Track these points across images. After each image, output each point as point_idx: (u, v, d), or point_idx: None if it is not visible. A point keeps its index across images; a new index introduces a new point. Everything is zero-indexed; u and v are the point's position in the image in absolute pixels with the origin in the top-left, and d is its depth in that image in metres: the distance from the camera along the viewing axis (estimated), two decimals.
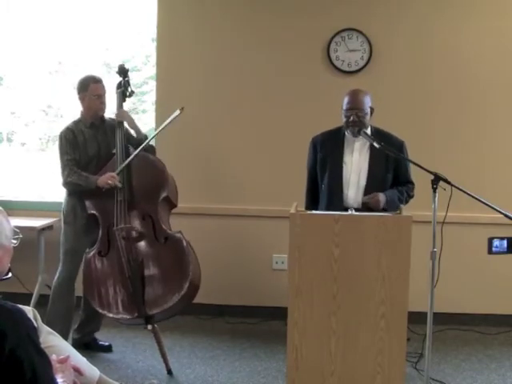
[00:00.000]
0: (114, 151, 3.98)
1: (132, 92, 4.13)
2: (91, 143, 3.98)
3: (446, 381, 3.71)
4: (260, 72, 4.76)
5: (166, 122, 3.94)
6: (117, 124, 4.00)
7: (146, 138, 4.07)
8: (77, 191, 3.92)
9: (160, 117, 4.82)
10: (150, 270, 3.76)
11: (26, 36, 5.28)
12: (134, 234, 3.82)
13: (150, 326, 3.70)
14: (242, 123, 4.79)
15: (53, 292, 4.01)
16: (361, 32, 4.64)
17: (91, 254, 3.86)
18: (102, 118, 4.07)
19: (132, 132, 4.10)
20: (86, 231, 3.95)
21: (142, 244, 3.82)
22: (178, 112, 3.89)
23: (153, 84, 5.10)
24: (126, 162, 3.87)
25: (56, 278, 4.01)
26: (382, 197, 3.61)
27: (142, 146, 3.91)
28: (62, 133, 3.97)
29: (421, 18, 4.63)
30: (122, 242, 3.79)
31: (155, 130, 4.85)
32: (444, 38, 4.63)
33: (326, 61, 4.70)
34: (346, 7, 4.66)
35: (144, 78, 5.57)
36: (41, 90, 5.37)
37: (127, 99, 4.14)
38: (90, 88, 3.94)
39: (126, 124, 4.05)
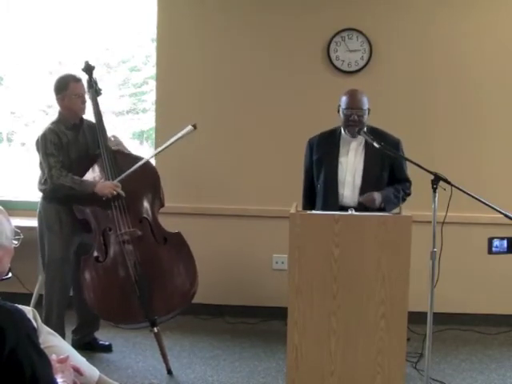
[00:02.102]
0: (97, 152, 3.89)
1: (100, 89, 3.97)
2: (73, 146, 3.85)
3: (446, 381, 3.71)
4: (260, 72, 4.75)
5: (176, 137, 3.82)
6: (95, 118, 3.88)
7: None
8: (63, 195, 3.76)
9: (160, 117, 4.83)
10: (155, 273, 3.72)
11: (26, 36, 5.27)
12: (135, 237, 3.76)
13: (156, 329, 3.67)
14: (241, 123, 4.79)
15: (48, 304, 3.85)
16: (361, 32, 4.64)
17: (89, 261, 3.74)
18: (82, 119, 3.93)
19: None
20: (72, 236, 3.85)
21: (144, 247, 3.77)
22: (190, 128, 3.80)
23: (153, 84, 5.09)
24: (129, 171, 3.78)
25: (49, 293, 3.84)
26: (377, 195, 3.62)
27: (148, 158, 3.85)
28: (45, 134, 3.77)
29: (421, 18, 4.63)
30: (123, 247, 3.74)
31: (156, 129, 4.86)
32: (444, 38, 4.63)
33: (326, 61, 4.70)
34: (346, 7, 4.66)
35: (144, 78, 5.57)
36: (41, 90, 5.36)
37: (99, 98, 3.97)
38: (69, 87, 3.78)
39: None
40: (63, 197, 3.78)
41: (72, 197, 3.77)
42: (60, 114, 3.88)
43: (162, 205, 3.98)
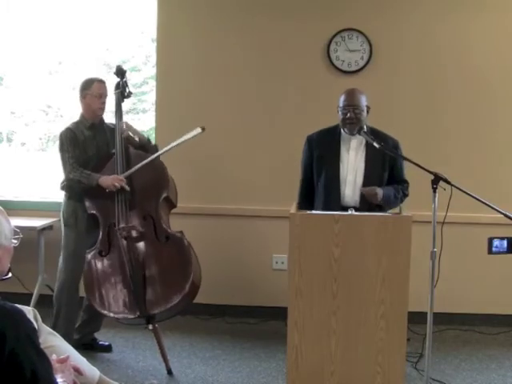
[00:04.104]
0: (114, 151, 3.97)
1: (130, 93, 4.12)
2: (90, 144, 3.98)
3: (446, 381, 3.71)
4: (260, 72, 4.75)
5: (184, 138, 3.84)
6: (116, 125, 3.99)
7: (149, 141, 4.09)
8: (77, 190, 3.91)
9: (160, 117, 4.83)
10: (152, 270, 3.76)
11: (26, 36, 5.28)
12: (135, 233, 3.82)
13: (150, 326, 3.70)
14: (241, 123, 4.79)
15: (57, 297, 4.00)
16: (361, 32, 4.64)
17: (91, 254, 3.85)
18: (102, 120, 4.07)
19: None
20: (87, 233, 3.95)
21: (144, 244, 3.82)
22: (199, 130, 3.83)
23: (153, 84, 5.10)
24: (136, 168, 3.83)
25: (60, 282, 4.00)
26: (379, 190, 3.61)
27: (154, 156, 3.87)
28: (62, 133, 3.97)
29: (421, 18, 4.63)
30: (123, 242, 3.80)
31: (156, 129, 4.86)
32: (444, 38, 4.62)
33: (326, 61, 4.70)
34: (346, 7, 4.66)
35: (144, 78, 5.57)
36: (41, 90, 5.37)
37: (125, 100, 4.11)
38: (93, 86, 3.95)
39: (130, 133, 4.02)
40: (80, 193, 3.92)
41: (84, 192, 3.90)
42: (80, 114, 4.04)
43: (173, 205, 4.02)
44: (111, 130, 4.06)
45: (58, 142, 3.99)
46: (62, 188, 4.03)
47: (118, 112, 4.04)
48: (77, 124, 4.00)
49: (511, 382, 3.74)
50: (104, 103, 4.01)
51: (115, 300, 3.76)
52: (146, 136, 4.16)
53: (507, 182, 4.62)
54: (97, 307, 3.80)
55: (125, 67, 4.14)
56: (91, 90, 3.95)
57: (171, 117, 4.80)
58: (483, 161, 4.66)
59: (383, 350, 3.03)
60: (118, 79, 4.09)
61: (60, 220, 4.09)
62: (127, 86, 4.10)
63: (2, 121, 5.53)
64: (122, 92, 4.07)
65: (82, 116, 4.03)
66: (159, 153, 3.92)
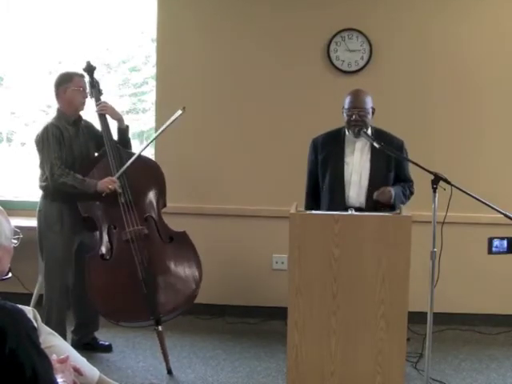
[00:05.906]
0: (102, 151, 3.88)
1: (101, 90, 3.97)
2: (75, 141, 3.82)
3: (446, 381, 3.71)
4: (260, 72, 4.75)
5: (168, 123, 3.86)
6: (99, 118, 3.88)
7: (127, 127, 3.95)
8: (68, 193, 3.72)
9: (160, 117, 4.83)
10: (161, 271, 3.71)
11: (26, 36, 5.27)
12: (142, 235, 3.75)
13: (160, 328, 3.66)
14: (242, 123, 4.79)
15: (48, 301, 3.82)
16: (361, 32, 4.64)
17: (94, 260, 3.71)
18: (80, 116, 3.90)
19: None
20: (73, 236, 3.83)
21: (150, 245, 3.76)
22: (180, 112, 3.84)
23: (153, 84, 5.09)
24: (126, 165, 3.76)
25: (49, 291, 3.83)
26: (391, 190, 3.62)
27: (142, 149, 3.83)
28: (46, 128, 3.72)
29: (421, 18, 4.63)
30: (131, 245, 3.71)
31: (155, 129, 4.86)
32: (444, 38, 4.63)
33: (326, 61, 4.70)
34: (346, 7, 4.66)
35: (144, 78, 5.57)
36: (41, 90, 5.36)
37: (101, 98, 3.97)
38: (74, 80, 3.79)
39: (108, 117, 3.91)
40: (66, 195, 3.74)
41: (75, 194, 3.74)
42: (59, 111, 3.86)
43: (165, 205, 3.98)
44: (88, 127, 3.93)
45: (40, 138, 3.72)
46: (43, 188, 3.81)
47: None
48: (59, 120, 3.80)
49: (511, 382, 3.74)
50: (85, 97, 3.84)
51: (126, 306, 3.65)
52: (125, 123, 3.97)
53: (507, 182, 4.62)
54: (104, 314, 3.73)
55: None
56: (72, 84, 3.78)
57: (171, 117, 4.79)
58: (483, 160, 4.66)
59: (383, 350, 3.03)
60: (89, 77, 3.93)
61: (40, 224, 3.84)
62: (99, 83, 3.98)
63: (2, 121, 5.52)
64: (98, 90, 3.95)
65: (61, 112, 3.83)
66: (148, 143, 3.86)
